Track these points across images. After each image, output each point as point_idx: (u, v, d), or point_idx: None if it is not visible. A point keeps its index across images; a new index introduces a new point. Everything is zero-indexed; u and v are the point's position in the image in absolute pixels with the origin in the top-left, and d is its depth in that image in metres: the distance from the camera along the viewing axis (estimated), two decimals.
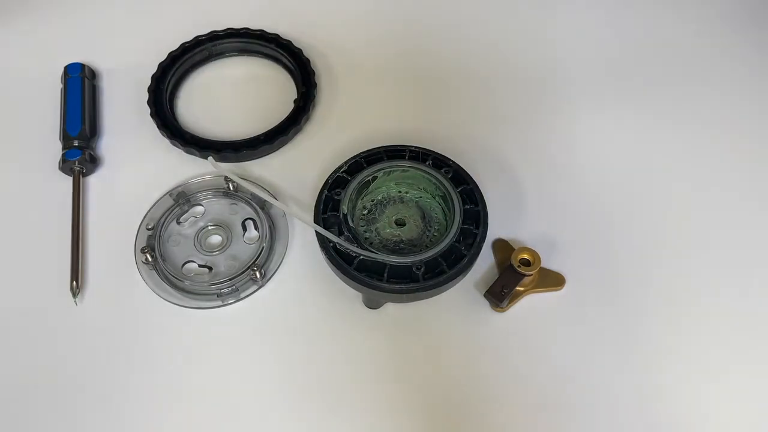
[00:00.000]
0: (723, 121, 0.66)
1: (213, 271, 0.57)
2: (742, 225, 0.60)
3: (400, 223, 0.54)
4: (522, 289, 0.55)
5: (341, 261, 0.50)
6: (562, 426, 0.51)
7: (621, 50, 0.68)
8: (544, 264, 0.55)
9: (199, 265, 0.58)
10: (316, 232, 0.51)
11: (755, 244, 0.59)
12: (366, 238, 0.53)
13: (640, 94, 0.68)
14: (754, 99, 0.68)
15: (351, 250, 0.50)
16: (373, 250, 0.50)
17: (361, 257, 0.49)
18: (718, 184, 0.62)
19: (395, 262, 0.49)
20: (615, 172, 0.63)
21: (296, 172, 0.63)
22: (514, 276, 0.53)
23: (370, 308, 0.55)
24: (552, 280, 0.56)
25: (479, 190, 0.53)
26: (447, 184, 0.53)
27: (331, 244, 0.50)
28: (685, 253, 0.58)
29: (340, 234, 0.50)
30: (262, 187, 0.61)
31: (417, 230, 0.54)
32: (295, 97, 0.66)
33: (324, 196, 0.53)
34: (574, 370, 0.53)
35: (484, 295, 0.54)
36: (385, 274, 0.49)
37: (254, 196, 0.60)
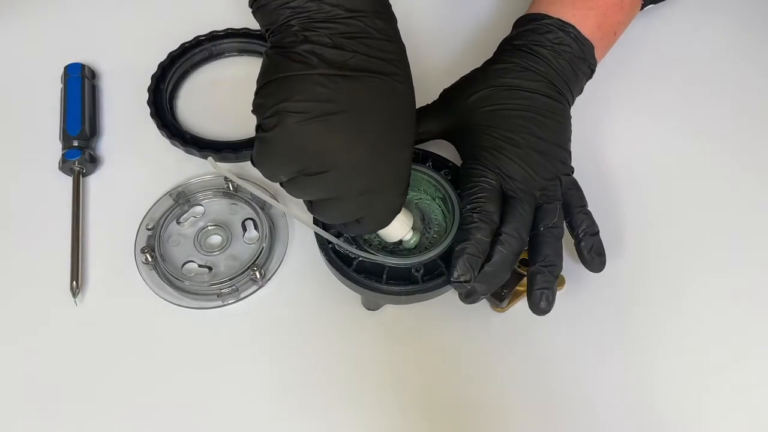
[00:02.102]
0: (724, 120, 0.65)
1: (213, 271, 0.57)
2: (743, 225, 0.59)
3: None
4: (522, 289, 0.54)
5: (340, 262, 0.49)
6: (562, 426, 0.50)
7: (620, 48, 0.67)
8: None
9: (199, 265, 0.57)
10: (315, 233, 0.50)
11: (757, 243, 0.58)
12: (365, 240, 0.52)
13: (639, 91, 0.67)
14: (758, 102, 0.66)
15: (350, 252, 0.49)
16: (372, 251, 0.49)
17: (360, 258, 0.49)
18: (720, 184, 0.61)
19: (394, 263, 0.48)
20: (615, 170, 0.62)
21: None
22: (514, 276, 0.53)
23: (369, 309, 0.55)
24: (558, 279, 0.55)
25: None
26: (447, 186, 0.52)
27: (330, 246, 0.49)
28: (685, 252, 0.57)
29: (339, 235, 0.50)
30: (262, 187, 0.60)
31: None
32: None
33: None
34: (574, 370, 0.52)
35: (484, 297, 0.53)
36: (384, 276, 0.48)
37: (254, 196, 0.59)
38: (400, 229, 0.49)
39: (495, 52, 0.59)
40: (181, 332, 0.54)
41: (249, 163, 0.62)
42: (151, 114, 0.63)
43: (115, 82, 0.68)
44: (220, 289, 0.55)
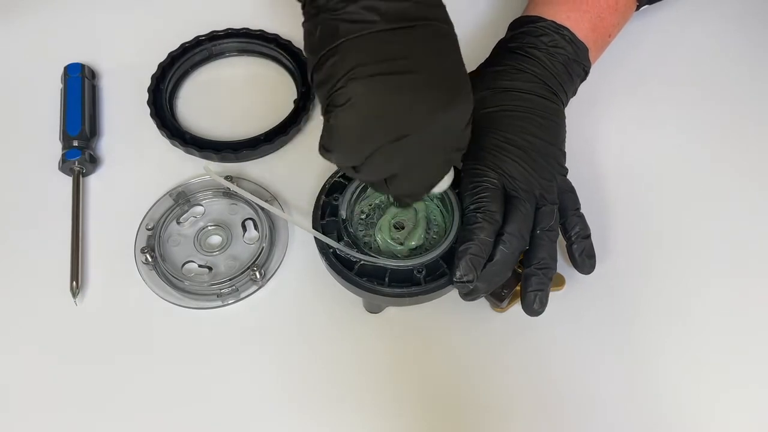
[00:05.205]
0: (720, 121, 0.63)
1: (213, 271, 0.55)
2: (738, 225, 0.57)
3: (398, 227, 0.51)
4: None
5: (341, 267, 0.47)
6: (561, 426, 0.49)
7: (615, 50, 0.66)
8: None
9: (199, 266, 0.55)
10: (315, 238, 0.48)
11: (753, 243, 0.57)
12: (365, 243, 0.50)
13: (634, 92, 0.65)
14: (754, 103, 0.65)
15: (351, 255, 0.47)
16: (373, 254, 0.47)
17: (362, 262, 0.47)
18: (715, 185, 0.60)
19: (396, 266, 0.46)
20: (614, 171, 0.60)
21: (296, 172, 0.60)
22: (514, 277, 0.51)
23: (370, 312, 0.53)
24: (552, 280, 0.54)
25: None
26: None
27: (331, 250, 0.48)
28: (685, 253, 0.56)
29: (339, 239, 0.48)
30: (263, 189, 0.59)
31: None
32: (295, 97, 0.63)
33: (322, 201, 0.50)
34: (574, 370, 0.51)
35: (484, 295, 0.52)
36: (387, 279, 0.46)
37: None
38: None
39: (490, 54, 0.58)
40: (181, 332, 0.53)
41: (249, 163, 0.61)
42: (151, 114, 0.61)
43: (115, 82, 0.66)
44: (220, 289, 0.54)
